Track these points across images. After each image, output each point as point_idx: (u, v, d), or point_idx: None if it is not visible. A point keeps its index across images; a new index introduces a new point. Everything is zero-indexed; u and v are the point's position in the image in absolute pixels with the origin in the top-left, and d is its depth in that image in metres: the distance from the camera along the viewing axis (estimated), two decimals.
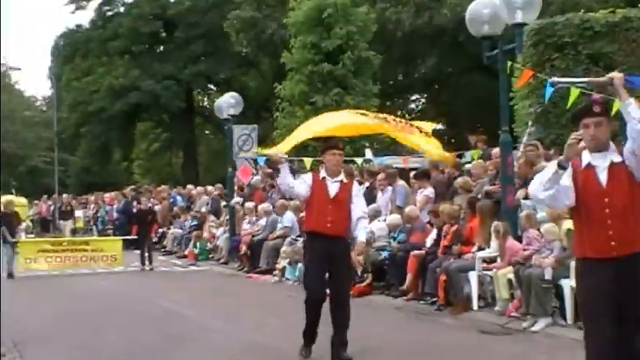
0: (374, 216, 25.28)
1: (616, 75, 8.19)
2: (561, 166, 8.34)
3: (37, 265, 33.20)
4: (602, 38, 27.59)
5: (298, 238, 29.32)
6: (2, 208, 35.91)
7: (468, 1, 25.63)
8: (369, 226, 15.99)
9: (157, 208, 43.64)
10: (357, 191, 15.11)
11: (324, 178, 14.30)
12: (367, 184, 28.97)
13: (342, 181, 14.34)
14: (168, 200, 45.82)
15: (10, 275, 32.09)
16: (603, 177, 8.45)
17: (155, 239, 39.80)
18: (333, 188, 14.15)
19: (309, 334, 14.39)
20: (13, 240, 33.17)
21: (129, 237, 36.93)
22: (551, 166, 8.40)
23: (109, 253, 34.84)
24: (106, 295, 26.78)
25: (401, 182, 27.02)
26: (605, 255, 8.38)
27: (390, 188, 26.87)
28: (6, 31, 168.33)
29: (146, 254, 34.61)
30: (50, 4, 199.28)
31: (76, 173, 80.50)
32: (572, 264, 16.73)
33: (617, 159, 8.42)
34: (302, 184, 14.61)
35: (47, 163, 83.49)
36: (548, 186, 8.40)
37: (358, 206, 14.53)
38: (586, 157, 8.53)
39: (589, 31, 27.68)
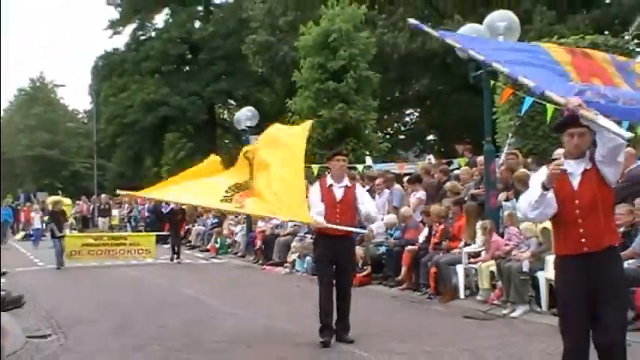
0: None
1: (571, 101, 8.27)
2: (545, 187, 8.40)
3: (81, 257, 33.62)
4: None
5: (306, 235, 29.35)
6: (52, 208, 36.44)
7: (457, 27, 25.64)
8: (380, 222, 15.84)
9: (183, 207, 43.72)
10: (362, 192, 15.44)
11: (331, 185, 14.57)
12: (367, 187, 29.04)
13: (346, 186, 14.59)
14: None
15: (60, 265, 32.56)
16: (576, 182, 8.57)
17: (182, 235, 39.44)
18: (339, 193, 14.42)
19: (326, 323, 14.38)
20: (60, 235, 33.58)
21: (161, 233, 37.17)
22: (536, 189, 8.50)
23: (143, 247, 35.24)
24: (139, 284, 26.87)
25: (397, 186, 27.27)
26: (577, 251, 8.49)
27: (387, 191, 27.25)
28: (52, 52, 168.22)
29: (175, 248, 34.73)
30: (91, 29, 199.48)
31: (112, 177, 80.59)
32: (547, 258, 16.83)
33: (589, 166, 8.53)
34: (318, 205, 14.65)
35: (87, 168, 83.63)
36: (536, 206, 8.55)
37: (368, 204, 15.05)
38: (561, 164, 8.54)
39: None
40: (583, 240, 8.50)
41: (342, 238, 14.45)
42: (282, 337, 15.98)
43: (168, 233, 36.47)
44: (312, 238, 15.96)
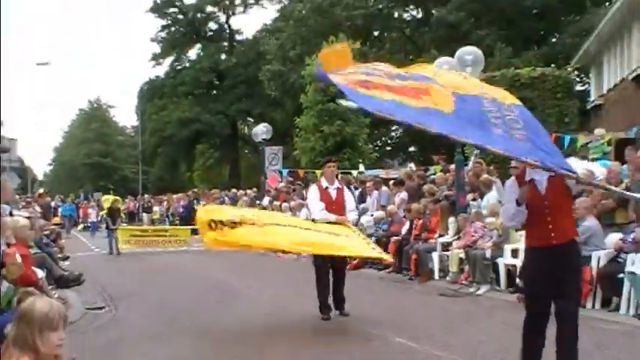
0: (364, 212, 26.23)
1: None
2: (518, 204, 8.69)
3: (129, 245, 33.71)
4: (527, 88, 27.69)
5: None
6: (111, 205, 36.66)
7: (434, 57, 25.77)
8: (356, 216, 16.54)
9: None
10: (348, 193, 15.79)
11: (326, 187, 14.90)
12: (360, 189, 29.42)
13: (337, 188, 15.00)
14: (218, 200, 45.77)
15: (113, 252, 32.96)
16: (542, 187, 8.73)
17: None
18: (333, 194, 14.80)
19: (324, 305, 14.39)
20: (114, 227, 34.22)
21: (195, 227, 37.08)
22: (512, 204, 8.86)
23: (180, 237, 35.26)
24: (176, 268, 27.01)
25: (384, 188, 27.50)
26: (547, 243, 8.63)
27: (376, 192, 27.53)
28: (107, 79, 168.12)
29: None
30: (136, 61, 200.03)
31: (153, 180, 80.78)
32: (505, 247, 16.89)
33: (551, 174, 8.51)
34: (319, 203, 14.86)
35: (134, 173, 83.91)
36: (514, 218, 9.01)
37: (349, 203, 15.30)
38: (528, 174, 8.82)
39: (517, 82, 27.79)
40: (552, 234, 8.64)
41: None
42: (289, 307, 16.00)
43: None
44: None
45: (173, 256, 31.52)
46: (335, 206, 14.66)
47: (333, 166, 15.45)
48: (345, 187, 15.93)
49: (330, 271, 14.56)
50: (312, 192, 15.43)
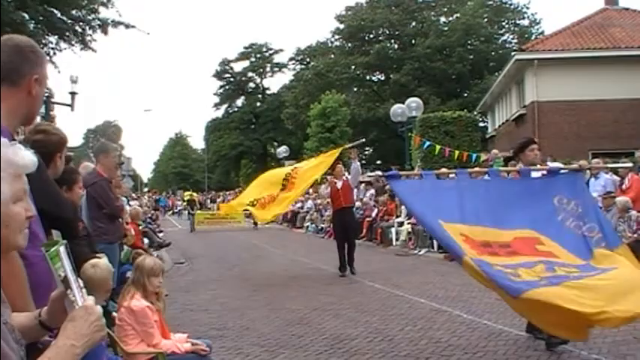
0: None
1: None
2: None
3: (202, 225, 32.91)
4: (450, 124, 27.56)
5: (315, 212, 29.34)
6: (189, 198, 37.46)
7: (392, 104, 25.76)
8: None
9: None
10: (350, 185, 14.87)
11: (335, 181, 14.42)
12: None
13: (343, 180, 14.35)
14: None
15: (192, 230, 32.23)
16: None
17: None
18: (339, 184, 14.23)
19: (342, 264, 13.89)
20: (193, 212, 33.96)
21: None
22: None
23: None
24: (231, 238, 26.84)
25: (361, 185, 27.17)
26: None
27: (355, 190, 26.95)
28: (186, 119, 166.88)
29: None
30: (204, 107, 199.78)
31: (214, 183, 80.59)
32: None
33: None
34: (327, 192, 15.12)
35: (202, 178, 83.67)
36: None
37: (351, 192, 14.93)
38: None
39: (444, 121, 27.64)
40: None
41: (346, 208, 14.25)
42: (304, 265, 16.02)
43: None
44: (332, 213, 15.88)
45: (230, 231, 30.87)
46: (341, 191, 14.19)
47: (341, 166, 14.90)
48: (349, 180, 14.95)
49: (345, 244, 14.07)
50: (326, 184, 15.52)
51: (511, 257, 5.42)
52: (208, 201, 55.44)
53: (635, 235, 11.00)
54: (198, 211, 35.26)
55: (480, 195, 6.10)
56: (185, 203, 46.86)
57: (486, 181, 6.83)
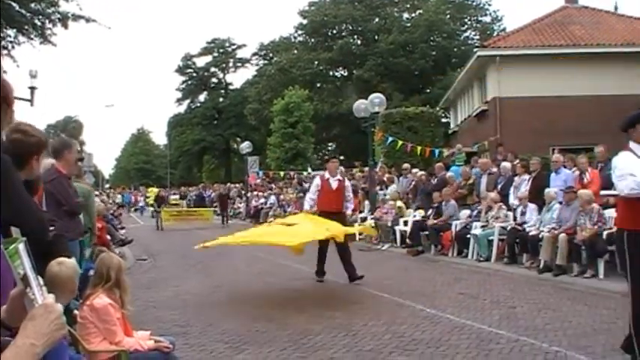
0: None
1: None
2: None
3: (168, 222, 30.97)
4: (412, 120, 27.84)
5: (278, 208, 29.37)
6: (158, 194, 35.82)
7: (355, 100, 25.91)
8: (351, 206, 12.87)
9: (213, 195, 43.11)
10: (348, 185, 12.91)
11: (327, 178, 12.29)
12: (308, 184, 29.19)
13: (339, 180, 12.38)
14: (218, 191, 45.49)
15: (158, 228, 30.53)
16: None
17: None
18: (334, 184, 12.22)
19: (320, 270, 12.15)
20: (159, 209, 32.15)
21: (214, 208, 35.42)
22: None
23: (205, 216, 32.67)
24: (195, 235, 26.62)
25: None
26: None
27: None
28: (148, 114, 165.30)
29: (225, 218, 32.57)
30: (166, 103, 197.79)
31: (177, 179, 79.88)
32: (400, 220, 16.90)
33: None
34: (314, 192, 12.50)
35: (164, 174, 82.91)
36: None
37: (348, 193, 12.57)
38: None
39: (406, 117, 27.92)
40: None
41: (338, 212, 12.08)
42: (267, 260, 15.96)
43: (220, 208, 33.77)
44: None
45: (199, 229, 29.48)
46: (333, 195, 12.23)
47: (336, 162, 13.15)
48: (345, 180, 13.14)
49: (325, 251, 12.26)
50: (314, 183, 13.00)
51: None
52: (169, 196, 55.13)
53: (596, 227, 11.20)
54: (165, 209, 33.55)
55: None
56: (150, 200, 46.35)
57: None
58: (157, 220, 31.54)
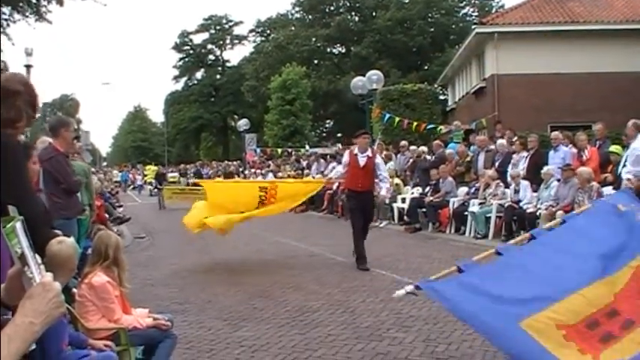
0: (307, 176, 25.62)
1: None
2: None
3: (170, 200, 28.74)
4: (410, 97, 27.81)
5: None
6: (158, 172, 34.67)
7: (352, 77, 25.80)
8: (387, 184, 12.31)
9: (210, 172, 43.08)
10: (380, 161, 12.10)
11: (356, 154, 11.28)
12: (306, 162, 29.23)
13: (368, 156, 11.33)
14: (216, 168, 45.39)
15: (160, 207, 28.80)
16: None
17: None
18: (362, 161, 11.19)
19: (360, 255, 11.11)
20: (161, 187, 30.35)
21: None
22: None
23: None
24: None
25: (321, 161, 27.13)
26: None
27: (316, 163, 26.97)
28: (145, 92, 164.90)
29: None
30: (163, 80, 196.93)
31: (174, 157, 79.73)
32: (398, 197, 16.89)
33: None
34: (344, 167, 11.68)
35: (162, 152, 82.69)
36: None
37: (381, 170, 11.67)
38: None
39: (404, 94, 27.88)
40: None
41: (365, 192, 11.40)
42: (264, 237, 15.97)
43: None
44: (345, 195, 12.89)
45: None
46: (361, 173, 11.22)
47: (367, 137, 11.96)
48: (377, 156, 12.11)
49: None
50: (344, 157, 12.19)
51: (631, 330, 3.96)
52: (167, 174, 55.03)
53: None
54: (167, 187, 31.50)
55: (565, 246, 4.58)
56: (148, 177, 46.13)
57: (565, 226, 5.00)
58: (159, 199, 29.98)
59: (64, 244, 4.09)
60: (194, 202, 28.55)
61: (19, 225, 1.88)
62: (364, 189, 11.32)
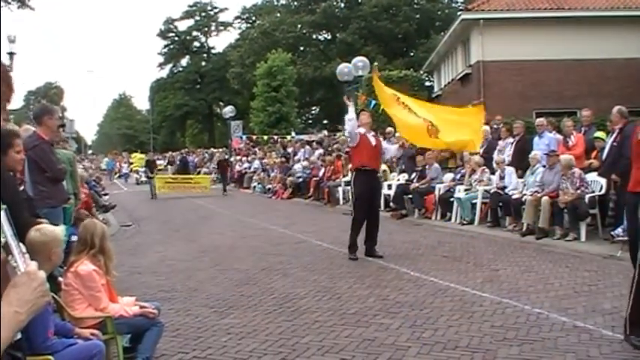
0: (296, 163, 25.64)
1: None
2: None
3: (163, 190, 28.06)
4: (396, 83, 27.64)
5: (262, 172, 29.23)
6: (148, 159, 32.57)
7: (338, 63, 25.71)
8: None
9: (196, 160, 42.90)
10: (386, 145, 12.28)
11: (364, 133, 10.63)
12: (292, 148, 29.22)
13: (374, 135, 11.09)
14: (201, 155, 45.21)
15: (153, 196, 27.54)
16: None
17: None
18: (372, 140, 10.66)
19: (354, 244, 10.58)
20: (152, 176, 28.89)
21: (212, 175, 33.83)
22: None
23: (202, 184, 29.64)
24: (179, 200, 26.53)
25: (307, 147, 27.38)
26: None
27: (302, 149, 27.31)
28: (129, 79, 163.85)
29: (225, 186, 29.35)
30: (148, 67, 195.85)
31: (160, 144, 79.39)
32: (385, 183, 16.85)
33: None
34: (357, 129, 10.61)
35: (147, 139, 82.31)
36: None
37: (388, 153, 12.02)
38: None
39: (390, 80, 27.68)
40: None
41: (374, 171, 10.88)
42: (251, 224, 15.97)
43: (220, 175, 31.01)
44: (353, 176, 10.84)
45: (196, 199, 26.24)
46: (373, 152, 10.71)
47: (367, 113, 11.50)
48: (381, 140, 11.76)
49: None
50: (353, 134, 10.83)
51: None
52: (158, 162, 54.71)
53: (578, 192, 11.28)
54: (158, 176, 30.44)
55: None
56: (134, 166, 45.91)
57: None
58: (151, 188, 28.49)
59: (40, 231, 4.06)
60: (186, 192, 27.91)
61: (2, 214, 1.87)
62: (375, 167, 10.94)
